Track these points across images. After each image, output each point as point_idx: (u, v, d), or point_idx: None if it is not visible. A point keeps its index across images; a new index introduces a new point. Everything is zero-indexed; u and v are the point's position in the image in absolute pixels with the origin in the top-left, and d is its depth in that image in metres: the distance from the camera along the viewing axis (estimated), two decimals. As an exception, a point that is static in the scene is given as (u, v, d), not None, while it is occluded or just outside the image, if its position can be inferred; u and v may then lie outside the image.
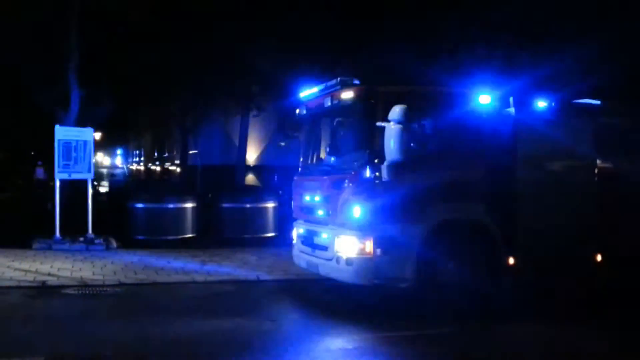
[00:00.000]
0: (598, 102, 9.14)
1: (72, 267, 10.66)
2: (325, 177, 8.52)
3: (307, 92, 9.06)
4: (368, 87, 8.03)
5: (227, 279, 10.24)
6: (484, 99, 8.30)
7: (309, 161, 9.44)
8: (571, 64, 13.71)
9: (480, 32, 15.07)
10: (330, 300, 8.86)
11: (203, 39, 18.22)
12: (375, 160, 7.60)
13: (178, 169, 36.99)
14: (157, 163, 48.53)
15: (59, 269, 10.39)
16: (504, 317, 7.88)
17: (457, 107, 8.29)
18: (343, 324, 7.60)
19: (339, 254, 7.89)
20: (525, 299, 8.56)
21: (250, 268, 11.01)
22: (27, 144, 46.02)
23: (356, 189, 7.76)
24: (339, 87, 8.18)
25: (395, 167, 7.48)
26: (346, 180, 7.91)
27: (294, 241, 9.44)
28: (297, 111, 9.52)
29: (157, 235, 13.50)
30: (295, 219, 9.49)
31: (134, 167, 61.05)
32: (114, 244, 13.00)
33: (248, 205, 14.38)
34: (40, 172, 34.87)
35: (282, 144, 9.50)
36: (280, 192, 15.40)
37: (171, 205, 13.84)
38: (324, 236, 8.34)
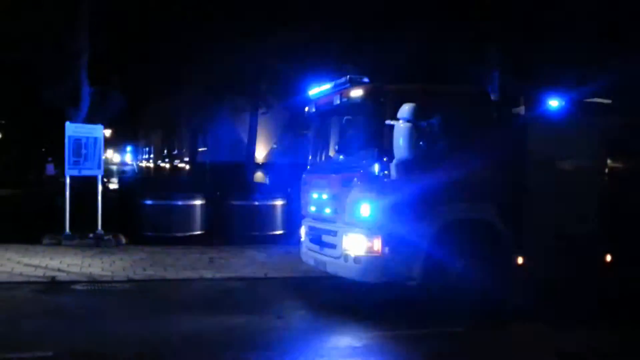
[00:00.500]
0: (609, 101, 9.08)
1: (82, 263, 10.72)
2: (333, 175, 8.51)
3: (316, 90, 9.05)
4: (377, 85, 8.01)
5: (235, 276, 10.27)
6: (495, 98, 8.27)
7: (318, 159, 9.45)
8: (584, 62, 13.64)
9: (491, 29, 15.00)
10: (338, 298, 8.86)
11: (211, 37, 18.25)
12: (384, 159, 7.59)
13: (187, 167, 37.11)
14: (167, 160, 48.70)
15: (68, 265, 10.46)
16: (513, 316, 7.85)
17: (467, 105, 8.26)
18: (351, 321, 7.61)
19: (347, 252, 7.88)
20: (534, 298, 8.51)
21: (259, 265, 11.04)
22: (38, 140, 46.32)
23: (365, 187, 7.75)
24: (348, 85, 8.17)
25: (404, 165, 7.47)
26: (355, 178, 7.90)
27: (302, 239, 9.44)
28: (306, 109, 9.52)
29: (166, 232, 13.55)
30: (303, 217, 9.49)
31: (144, 164, 61.29)
32: (123, 240, 13.07)
33: (256, 203, 14.41)
34: (50, 169, 35.11)
35: (304, 132, 9.49)
36: (289, 189, 15.39)
37: (180, 203, 13.90)
38: (332, 234, 8.33)
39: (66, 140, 12.94)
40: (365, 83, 8.09)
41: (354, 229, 7.84)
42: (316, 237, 8.81)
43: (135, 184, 26.24)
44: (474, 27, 15.01)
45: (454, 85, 8.82)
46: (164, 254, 11.78)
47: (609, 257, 8.56)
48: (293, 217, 12.81)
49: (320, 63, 15.86)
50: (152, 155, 59.41)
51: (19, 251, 11.43)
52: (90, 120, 14.68)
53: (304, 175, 9.52)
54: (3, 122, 45.38)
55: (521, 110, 8.40)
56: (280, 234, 14.28)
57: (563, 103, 8.54)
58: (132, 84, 19.87)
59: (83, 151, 13.02)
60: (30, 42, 15.15)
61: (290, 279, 10.17)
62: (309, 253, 9.11)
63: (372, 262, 7.64)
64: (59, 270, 10.07)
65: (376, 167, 7.65)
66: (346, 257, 7.90)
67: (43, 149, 48.31)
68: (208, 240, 13.57)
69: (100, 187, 13.43)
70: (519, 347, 6.85)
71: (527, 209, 8.18)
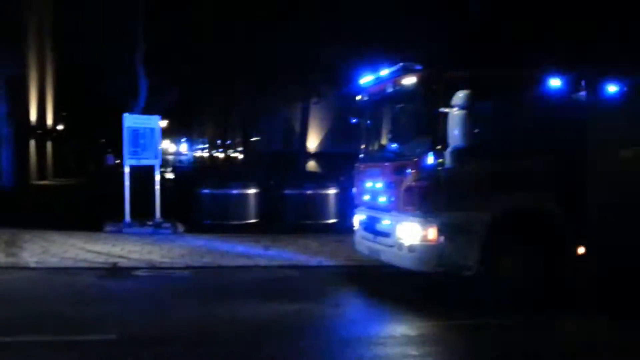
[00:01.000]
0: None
1: (142, 249, 11.07)
2: (387, 164, 8.47)
3: (369, 78, 9.00)
4: (431, 72, 7.90)
5: (290, 263, 10.38)
6: (554, 83, 8.02)
7: (371, 148, 9.41)
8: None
9: (549, 14, 14.55)
10: (392, 286, 8.84)
11: (265, 28, 18.39)
12: (439, 147, 7.50)
13: (240, 156, 37.64)
14: (220, 150, 49.52)
15: (129, 252, 10.82)
16: (570, 309, 7.65)
17: (524, 91, 8.05)
18: (405, 310, 7.59)
19: (401, 241, 7.84)
20: (593, 290, 8.27)
21: (312, 253, 11.12)
22: (98, 132, 47.90)
23: (419, 176, 7.68)
24: (401, 72, 8.08)
25: (459, 153, 7.36)
26: (409, 167, 7.84)
27: (356, 228, 9.45)
28: (358, 98, 9.48)
29: (222, 220, 13.83)
30: (356, 206, 9.50)
31: (199, 154, 62.50)
32: (181, 228, 13.40)
33: (309, 192, 14.50)
34: (110, 159, 36.29)
35: (357, 121, 9.47)
36: (342, 178, 15.41)
37: (235, 192, 14.15)
38: (386, 223, 8.30)
39: (125, 131, 13.32)
40: (418, 70, 7.98)
41: (408, 217, 7.79)
42: (370, 226, 8.80)
43: (191, 173, 26.83)
44: (534, 10, 14.60)
45: (511, 69, 8.57)
46: (220, 242, 12.02)
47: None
48: (346, 205, 12.82)
49: (373, 51, 15.76)
50: (206, 145, 60.54)
51: (83, 238, 11.88)
52: (147, 111, 15.08)
53: (356, 164, 9.52)
54: (65, 114, 47.08)
55: (582, 95, 8.11)
56: (333, 223, 14.34)
57: (623, 87, 8.20)
58: (187, 76, 20.27)
59: (141, 141, 13.39)
60: (91, 38, 15.65)
61: (344, 267, 10.21)
62: (362, 242, 9.12)
63: (426, 251, 7.58)
64: (120, 256, 10.42)
65: (430, 156, 7.56)
66: (400, 246, 7.87)
67: (103, 140, 49.96)
68: (262, 228, 13.75)
69: (157, 177, 13.79)
70: (574, 339, 6.67)
71: (587, 199, 7.92)
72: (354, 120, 9.76)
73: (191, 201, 14.34)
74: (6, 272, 9.24)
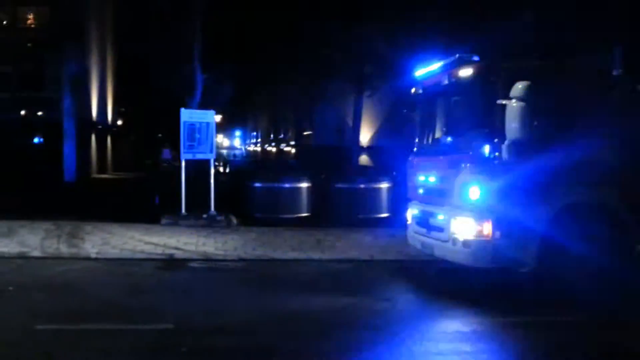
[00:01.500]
0: None
1: (197, 242, 11.28)
2: (442, 157, 8.34)
3: (424, 70, 8.87)
4: (488, 63, 7.72)
5: (342, 257, 10.38)
6: (618, 73, 7.70)
7: (425, 141, 9.28)
8: None
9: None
10: (446, 282, 8.72)
11: (316, 21, 18.39)
12: (495, 140, 7.32)
13: (293, 150, 37.88)
14: (273, 144, 49.99)
15: (184, 244, 11.04)
16: (633, 307, 7.34)
17: (586, 82, 7.76)
18: (459, 306, 7.46)
19: (456, 236, 7.71)
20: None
21: (365, 248, 11.08)
22: (155, 126, 49.14)
23: (475, 169, 7.53)
24: (457, 64, 7.93)
25: (517, 146, 7.17)
26: (464, 160, 7.69)
27: (409, 222, 9.36)
28: (413, 90, 9.36)
29: (274, 214, 13.92)
30: (409, 200, 9.40)
31: (251, 148, 63.29)
32: (234, 221, 13.59)
33: (362, 186, 14.44)
34: (166, 153, 37.14)
35: (411, 114, 9.37)
36: (394, 172, 15.28)
37: (287, 185, 14.22)
38: (439, 217, 8.18)
39: (181, 126, 13.58)
40: (475, 61, 7.81)
41: (463, 212, 7.65)
42: (423, 221, 8.70)
43: (244, 167, 27.20)
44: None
45: (571, 60, 8.27)
46: (273, 235, 12.12)
47: None
48: (398, 200, 12.71)
49: (426, 43, 15.54)
50: (259, 140, 61.25)
51: (141, 230, 12.20)
52: (203, 106, 15.34)
53: (410, 158, 9.41)
54: (123, 109, 48.52)
55: (649, 85, 7.75)
56: (385, 217, 14.23)
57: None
58: (241, 71, 20.51)
59: (197, 136, 13.63)
60: (149, 34, 16.03)
61: (396, 262, 10.13)
62: (415, 236, 9.02)
63: (482, 246, 7.43)
64: (176, 248, 10.66)
65: (487, 149, 7.40)
66: (454, 241, 7.74)
67: (159, 135, 51.22)
68: (314, 222, 13.77)
69: (212, 170, 14.01)
70: (635, 341, 6.39)
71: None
72: (408, 113, 9.65)
73: (244, 195, 14.51)
74: (68, 262, 9.59)
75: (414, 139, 9.51)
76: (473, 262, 7.63)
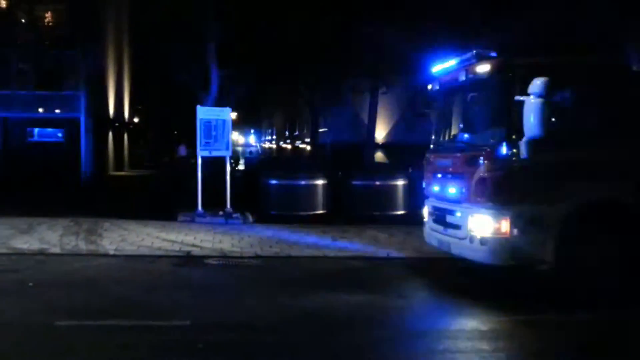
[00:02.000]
0: None
1: (213, 239, 11.33)
2: (459, 154, 8.28)
3: (440, 66, 8.81)
4: (506, 60, 7.63)
5: (358, 255, 10.37)
6: (635, 70, 7.59)
7: (442, 138, 9.22)
8: None
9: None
10: (463, 279, 8.67)
11: (331, 18, 18.35)
12: (513, 137, 7.25)
13: (308, 147, 37.88)
14: (288, 141, 50.02)
15: (201, 241, 11.10)
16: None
17: (604, 79, 7.66)
18: (476, 304, 7.41)
19: (473, 233, 7.66)
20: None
21: (381, 245, 11.06)
22: (171, 124, 49.41)
23: (492, 166, 7.47)
24: (474, 60, 7.84)
25: (535, 143, 7.08)
26: (481, 157, 7.63)
27: (425, 219, 9.31)
28: (429, 87, 9.30)
29: (290, 211, 13.94)
30: (426, 197, 9.35)
31: (267, 145, 63.41)
32: (250, 218, 13.63)
33: (378, 183, 14.42)
34: (182, 150, 37.33)
35: (427, 111, 9.34)
36: (410, 169, 15.23)
37: (303, 182, 14.23)
38: (457, 215, 8.13)
39: (197, 123, 13.64)
40: (492, 57, 7.73)
41: (480, 209, 7.59)
42: (440, 218, 8.65)
43: (260, 164, 27.24)
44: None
45: (590, 56, 8.17)
46: (289, 232, 12.14)
47: None
48: (414, 197, 12.66)
49: (442, 40, 15.43)
50: (274, 137, 61.33)
51: (158, 227, 12.28)
52: (219, 103, 15.38)
53: (427, 155, 9.36)
54: (140, 107, 48.84)
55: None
56: (401, 214, 14.20)
57: None
58: (257, 68, 20.54)
59: (213, 133, 13.68)
60: (165, 31, 16.10)
61: (413, 259, 10.10)
62: (432, 234, 8.97)
63: (499, 244, 7.37)
64: (193, 245, 10.71)
65: (504, 146, 7.33)
66: (472, 239, 7.68)
67: (175, 132, 51.51)
68: (330, 219, 13.77)
69: (228, 167, 14.06)
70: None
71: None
72: (424, 110, 9.60)
73: (260, 192, 14.54)
74: (87, 259, 9.69)
75: (431, 136, 9.46)
76: (491, 259, 7.56)
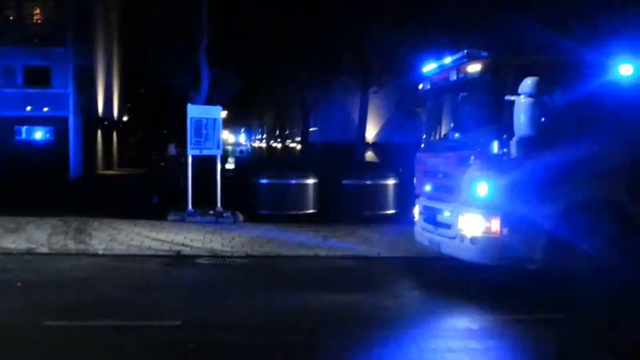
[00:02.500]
0: None
1: (204, 238, 11.28)
2: (449, 154, 8.30)
3: (431, 66, 8.83)
4: (497, 59, 7.67)
5: (349, 254, 10.36)
6: (625, 69, 7.65)
7: (432, 137, 9.24)
8: None
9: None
10: (453, 279, 8.69)
11: (322, 17, 18.35)
12: (504, 136, 7.29)
13: (298, 146, 37.86)
14: (278, 140, 49.96)
15: (191, 240, 11.05)
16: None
17: (594, 78, 7.71)
18: (467, 303, 7.44)
19: (463, 233, 7.68)
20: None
21: (371, 244, 11.06)
22: (160, 122, 49.13)
23: (482, 166, 7.49)
24: (465, 59, 7.88)
25: (525, 143, 7.13)
26: (472, 157, 7.65)
27: (416, 219, 9.33)
28: (420, 86, 9.32)
29: (280, 210, 13.90)
30: (417, 196, 9.36)
31: (257, 144, 63.29)
32: (241, 217, 13.58)
33: (368, 182, 14.41)
34: (172, 148, 37.17)
35: (418, 110, 9.37)
36: (401, 169, 15.24)
37: (293, 182, 14.19)
38: (447, 214, 8.15)
39: (188, 122, 13.55)
40: (484, 57, 7.76)
41: (471, 208, 7.62)
42: (431, 217, 8.67)
43: (250, 163, 27.20)
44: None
45: (581, 56, 8.23)
46: (279, 231, 12.11)
47: None
48: (405, 196, 12.68)
49: (433, 39, 15.48)
50: (264, 136, 61.24)
51: (147, 226, 12.21)
52: (209, 102, 15.32)
53: (418, 154, 9.38)
54: (129, 105, 48.57)
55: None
56: (392, 214, 14.20)
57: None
58: (247, 66, 20.49)
59: (203, 132, 13.60)
60: (155, 29, 16.02)
61: (403, 258, 10.11)
62: (423, 233, 8.99)
63: (489, 243, 7.40)
64: (183, 244, 10.66)
65: (495, 145, 7.36)
66: (462, 238, 7.71)
67: (165, 131, 51.26)
68: (321, 218, 13.75)
69: (219, 167, 14.00)
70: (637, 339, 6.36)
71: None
72: (415, 110, 9.62)
73: (250, 191, 14.49)
74: (76, 258, 9.61)
75: (422, 135, 9.47)
76: (481, 258, 7.60)
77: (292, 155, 39.53)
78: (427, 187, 8.89)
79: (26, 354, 5.50)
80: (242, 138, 68.93)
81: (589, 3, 14.41)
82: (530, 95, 6.96)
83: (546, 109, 7.14)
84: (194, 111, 13.72)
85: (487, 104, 7.76)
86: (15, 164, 26.70)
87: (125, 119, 46.67)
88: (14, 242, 10.42)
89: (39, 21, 30.07)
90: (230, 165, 27.98)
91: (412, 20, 16.81)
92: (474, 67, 7.69)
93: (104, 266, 9.22)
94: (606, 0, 13.96)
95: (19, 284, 7.89)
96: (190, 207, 13.40)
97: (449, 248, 8.18)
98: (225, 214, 13.42)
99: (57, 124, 30.01)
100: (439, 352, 5.80)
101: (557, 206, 7.30)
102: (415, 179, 9.45)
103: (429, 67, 8.89)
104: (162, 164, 33.98)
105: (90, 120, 32.59)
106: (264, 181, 14.26)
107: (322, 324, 6.51)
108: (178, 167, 18.88)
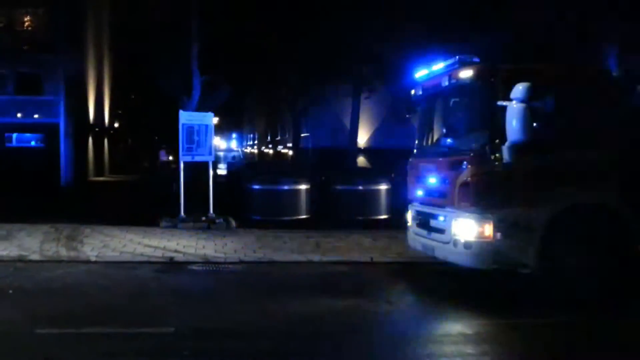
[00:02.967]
0: None
1: (196, 244, 11.25)
2: (442, 159, 8.34)
3: (424, 72, 8.87)
4: (489, 65, 7.73)
5: (342, 259, 10.35)
6: (614, 75, 7.73)
7: (425, 143, 9.28)
8: None
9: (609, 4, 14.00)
10: (447, 283, 8.70)
11: (313, 22, 18.40)
12: (496, 141, 7.33)
13: (290, 152, 37.85)
14: (270, 146, 49.95)
15: (184, 246, 11.01)
16: (633, 308, 7.34)
17: (585, 84, 7.78)
18: (460, 308, 7.45)
19: (457, 237, 7.71)
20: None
21: (364, 250, 11.06)
22: (151, 129, 49.03)
23: (475, 170, 7.53)
24: (457, 65, 7.93)
25: (517, 148, 7.17)
26: (464, 162, 7.69)
27: (409, 224, 9.34)
28: (413, 92, 9.36)
29: (273, 216, 13.89)
30: (410, 202, 9.39)
31: (248, 150, 63.22)
32: (233, 223, 13.55)
33: (361, 188, 14.43)
34: (162, 155, 37.09)
35: (410, 115, 9.41)
36: (393, 174, 15.28)
37: (286, 187, 14.19)
38: (440, 219, 8.18)
39: (180, 128, 13.53)
40: (475, 63, 7.83)
41: (464, 213, 7.64)
42: (424, 222, 8.68)
43: (243, 169, 27.12)
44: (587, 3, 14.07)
45: (571, 63, 8.31)
46: (272, 237, 12.09)
47: None
48: (398, 201, 12.69)
49: (425, 44, 15.55)
50: (256, 142, 61.20)
51: (140, 233, 12.15)
52: (200, 108, 15.30)
53: (410, 159, 9.40)
54: (120, 112, 48.41)
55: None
56: (384, 219, 14.23)
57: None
58: (238, 72, 20.49)
59: (195, 138, 13.58)
60: (146, 36, 16.00)
61: (397, 263, 10.12)
62: (416, 238, 9.01)
63: (483, 247, 7.42)
64: (176, 251, 10.62)
65: (487, 150, 7.40)
66: (455, 242, 7.73)
67: (156, 137, 51.15)
68: (313, 224, 13.73)
69: (211, 173, 13.98)
70: (631, 343, 6.40)
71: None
72: (408, 115, 9.65)
73: (243, 197, 14.47)
74: (68, 265, 9.56)
75: (415, 141, 9.51)
76: (474, 263, 7.62)
77: (284, 161, 39.51)
78: (420, 192, 8.91)
79: (18, 362, 5.45)
80: (233, 144, 68.86)
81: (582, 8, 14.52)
82: (522, 101, 7.00)
83: (537, 114, 7.18)
84: (185, 118, 13.70)
85: (479, 110, 7.82)
86: (6, 171, 26.50)
87: (116, 125, 46.51)
88: (6, 249, 10.34)
89: (30, 28, 29.93)
90: (222, 172, 27.92)
91: (404, 26, 16.88)
92: (466, 73, 7.74)
93: (96, 273, 9.16)
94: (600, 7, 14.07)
95: (10, 292, 7.82)
96: (182, 213, 13.36)
97: (442, 253, 8.20)
98: (217, 220, 13.39)
99: (48, 131, 29.85)
100: (433, 357, 5.80)
101: (549, 210, 7.34)
102: (408, 184, 9.47)
103: (421, 72, 8.93)
104: (154, 170, 33.89)
105: (81, 126, 32.45)
106: (256, 187, 14.26)
107: (316, 329, 6.50)
108: (169, 173, 18.85)
